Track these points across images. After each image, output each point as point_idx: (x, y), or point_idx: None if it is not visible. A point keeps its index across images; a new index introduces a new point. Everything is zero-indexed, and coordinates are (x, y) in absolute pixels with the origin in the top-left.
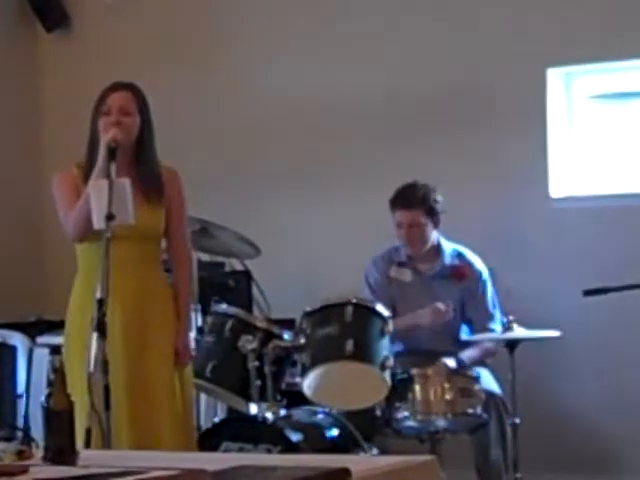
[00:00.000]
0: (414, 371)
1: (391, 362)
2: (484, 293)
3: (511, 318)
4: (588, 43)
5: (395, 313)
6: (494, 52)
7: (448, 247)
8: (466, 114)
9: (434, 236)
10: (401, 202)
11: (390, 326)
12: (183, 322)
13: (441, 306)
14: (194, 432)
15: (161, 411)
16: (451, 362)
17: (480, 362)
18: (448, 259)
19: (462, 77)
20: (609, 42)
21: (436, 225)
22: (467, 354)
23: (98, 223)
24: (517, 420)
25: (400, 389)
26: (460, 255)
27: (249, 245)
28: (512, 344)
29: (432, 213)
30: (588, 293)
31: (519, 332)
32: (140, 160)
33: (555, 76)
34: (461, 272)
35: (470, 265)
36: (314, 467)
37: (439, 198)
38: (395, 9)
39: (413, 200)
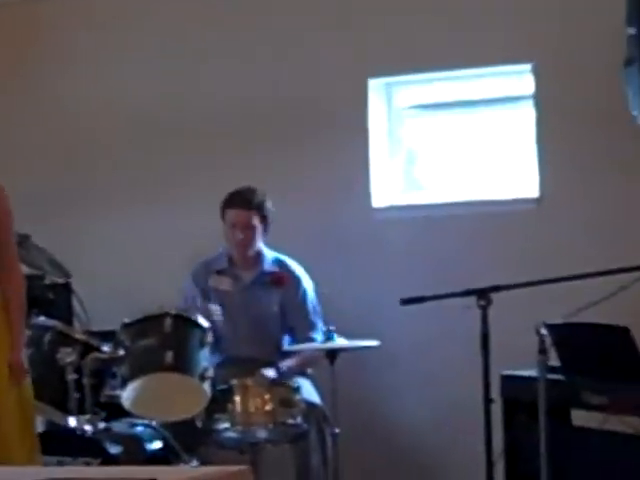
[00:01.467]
0: (234, 382)
1: (211, 373)
2: (304, 301)
3: (332, 328)
4: (408, 54)
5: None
6: (317, 63)
7: (269, 255)
8: (290, 125)
9: (259, 243)
10: (238, 202)
11: (209, 337)
12: (17, 336)
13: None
14: (37, 447)
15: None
16: (271, 372)
17: (301, 372)
18: (268, 266)
19: (286, 88)
20: (429, 53)
21: (265, 232)
22: (288, 364)
23: None
24: (337, 430)
25: (220, 400)
26: (280, 262)
27: (58, 269)
28: (332, 354)
29: (265, 219)
30: (405, 302)
31: (339, 342)
32: None
33: (376, 86)
34: (280, 279)
35: (290, 272)
36: (123, 479)
37: (271, 206)
38: (224, 22)
39: (251, 201)
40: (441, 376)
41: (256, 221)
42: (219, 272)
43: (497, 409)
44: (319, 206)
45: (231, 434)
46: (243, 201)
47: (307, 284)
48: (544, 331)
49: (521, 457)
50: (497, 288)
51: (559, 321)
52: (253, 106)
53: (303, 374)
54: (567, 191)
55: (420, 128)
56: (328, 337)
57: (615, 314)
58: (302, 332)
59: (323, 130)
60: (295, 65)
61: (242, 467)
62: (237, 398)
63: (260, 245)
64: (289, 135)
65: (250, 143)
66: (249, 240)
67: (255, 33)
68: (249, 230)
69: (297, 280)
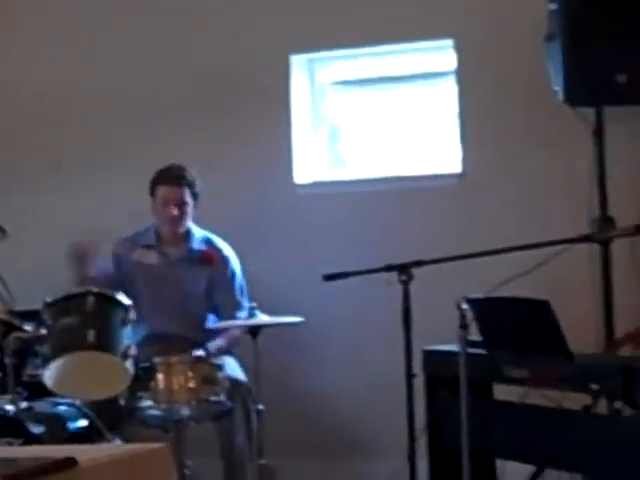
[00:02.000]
0: (157, 360)
1: (133, 351)
2: (232, 281)
3: (254, 304)
4: (330, 30)
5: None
6: (238, 40)
7: (198, 233)
8: (211, 101)
9: (189, 220)
10: (171, 178)
11: (132, 315)
12: None
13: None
14: None
15: None
16: (198, 352)
17: (227, 350)
18: (196, 244)
19: (208, 65)
20: (351, 29)
21: (195, 209)
22: (215, 343)
23: None
24: (261, 407)
25: (143, 378)
26: (209, 241)
27: None
28: (255, 330)
29: (196, 196)
30: (328, 278)
31: (262, 318)
32: None
33: (298, 62)
34: (209, 257)
35: (218, 251)
36: (39, 458)
37: (199, 184)
38: None
39: (183, 178)
40: (364, 352)
41: (188, 197)
42: (146, 247)
43: (420, 384)
44: (241, 183)
45: (154, 412)
46: (175, 177)
47: (235, 264)
48: (465, 306)
49: (443, 432)
50: (418, 263)
51: (480, 296)
52: (172, 83)
53: (228, 352)
54: (489, 167)
55: (343, 104)
56: (250, 314)
57: (536, 288)
58: (228, 311)
59: (245, 106)
60: (216, 42)
61: (161, 444)
62: (160, 376)
63: (189, 223)
64: (210, 112)
65: (169, 120)
66: (180, 217)
67: (177, 7)
68: (182, 206)
69: (226, 259)
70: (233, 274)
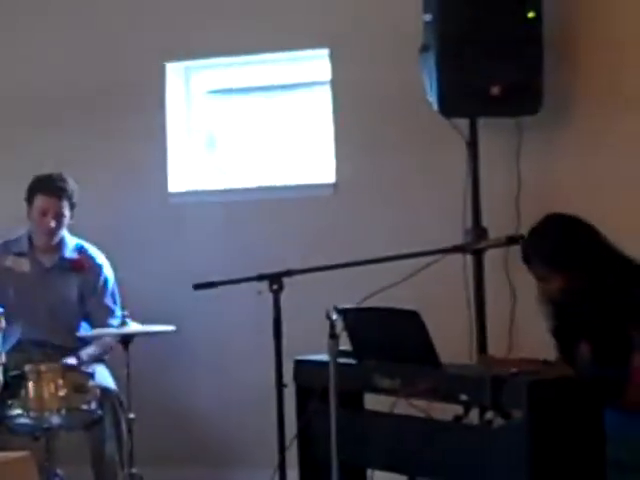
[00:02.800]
0: (27, 367)
1: (3, 359)
2: (104, 289)
3: (126, 313)
4: (206, 38)
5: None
6: (113, 46)
7: (71, 241)
8: (85, 109)
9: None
10: (51, 189)
11: (1, 322)
12: None
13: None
14: None
15: None
16: (72, 360)
17: (100, 359)
18: (69, 252)
19: (82, 72)
20: (228, 37)
21: (71, 219)
22: (87, 351)
23: None
24: (132, 415)
25: (13, 386)
26: (82, 249)
27: None
28: (126, 339)
29: (73, 207)
30: (198, 287)
31: (134, 327)
32: None
33: (174, 70)
34: (81, 265)
35: (91, 259)
36: None
37: (77, 194)
38: (15, 6)
39: (64, 190)
40: (236, 361)
41: (66, 210)
42: (19, 254)
43: (291, 394)
44: (115, 191)
45: (24, 420)
46: (56, 189)
47: (108, 272)
48: (335, 316)
49: (314, 442)
50: (289, 273)
51: (350, 306)
52: (46, 90)
53: (100, 360)
54: (363, 177)
55: (219, 112)
56: (123, 322)
57: (409, 298)
58: (100, 319)
59: (120, 114)
60: (90, 49)
61: (24, 452)
62: (30, 384)
63: (63, 231)
64: (85, 119)
65: (43, 128)
66: (58, 228)
67: (47, 17)
68: (59, 218)
69: (98, 267)
70: (105, 282)
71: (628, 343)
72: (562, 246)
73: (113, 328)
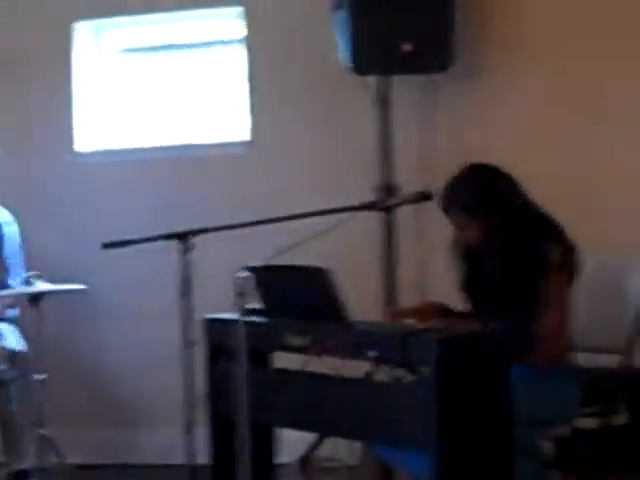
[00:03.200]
0: None
1: None
2: (1, 247)
3: (33, 273)
4: None
5: None
6: (24, 3)
7: None
8: None
9: None
10: None
11: None
12: None
13: None
14: None
15: None
16: None
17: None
18: None
19: None
20: None
21: None
22: None
23: None
24: (42, 376)
25: None
26: None
27: None
28: (35, 298)
29: None
30: (107, 246)
31: (42, 286)
32: None
33: (84, 28)
34: None
35: None
36: None
37: None
38: None
39: None
40: (147, 319)
41: None
42: None
43: (201, 352)
44: (22, 150)
45: None
46: None
47: (8, 229)
48: (244, 274)
49: (223, 400)
50: (199, 231)
51: (260, 264)
52: None
53: (6, 320)
54: (277, 135)
55: (131, 71)
56: (27, 282)
57: (321, 256)
58: None
59: (27, 73)
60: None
61: None
62: None
63: None
64: None
65: None
66: None
67: None
68: None
69: None
70: (2, 240)
71: (537, 297)
72: (482, 194)
73: (12, 287)
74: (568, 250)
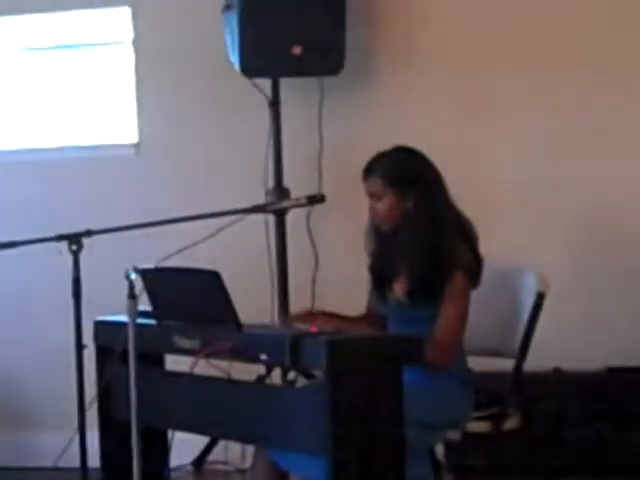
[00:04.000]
0: None
1: None
2: None
3: None
4: None
5: None
6: None
7: None
8: None
9: None
10: None
11: None
12: None
13: None
14: None
15: None
16: None
17: None
18: None
19: None
20: None
21: None
22: None
23: None
24: None
25: None
26: None
27: None
28: None
29: None
30: None
31: None
32: None
33: None
34: None
35: None
36: None
37: None
38: None
39: None
40: (37, 322)
41: None
42: None
43: (92, 355)
44: None
45: None
46: None
47: None
48: (134, 276)
49: (114, 403)
50: (88, 233)
51: (150, 266)
52: None
53: None
54: (166, 137)
55: (18, 70)
56: None
57: (211, 259)
58: None
59: None
60: None
61: None
62: None
63: None
64: None
65: None
66: None
67: None
68: None
69: None
70: None
71: (439, 290)
72: (406, 169)
73: None
74: (477, 259)
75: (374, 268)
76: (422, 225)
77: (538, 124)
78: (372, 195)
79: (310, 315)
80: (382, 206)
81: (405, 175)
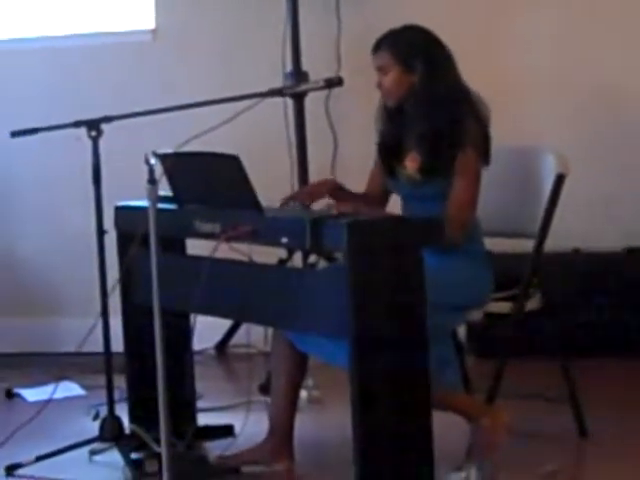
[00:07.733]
0: None
1: None
2: None
3: None
4: None
5: None
6: None
7: None
8: None
9: None
10: None
11: None
12: None
13: None
14: None
15: None
16: None
17: None
18: None
19: None
20: None
21: None
22: None
23: None
24: None
25: None
26: None
27: None
28: None
29: None
30: (16, 134)
31: None
32: None
33: None
34: None
35: None
36: None
37: None
38: None
39: None
40: (58, 208)
41: None
42: None
43: (113, 241)
44: None
45: None
46: None
47: None
48: (153, 161)
49: (136, 288)
50: (108, 119)
51: (169, 151)
52: None
53: None
54: (183, 22)
55: None
56: None
57: (231, 142)
58: None
59: None
60: None
61: None
62: None
63: None
64: None
65: None
66: None
67: None
68: None
69: None
70: None
71: (452, 165)
72: (410, 39)
73: None
74: (485, 137)
75: (383, 145)
76: (425, 100)
77: (550, 8)
78: (379, 69)
79: (310, 192)
80: (388, 80)
81: (412, 49)
